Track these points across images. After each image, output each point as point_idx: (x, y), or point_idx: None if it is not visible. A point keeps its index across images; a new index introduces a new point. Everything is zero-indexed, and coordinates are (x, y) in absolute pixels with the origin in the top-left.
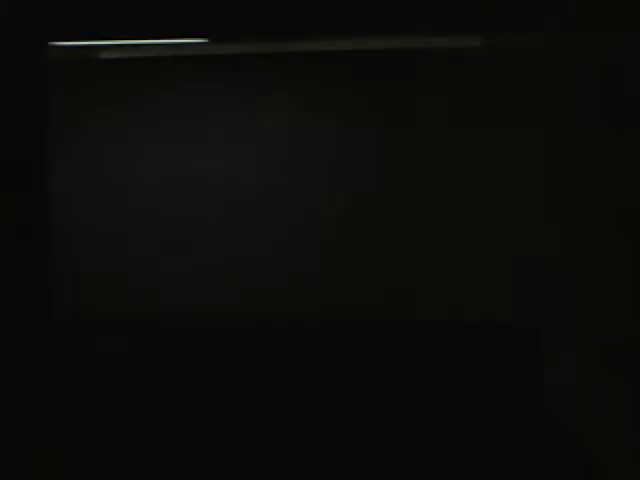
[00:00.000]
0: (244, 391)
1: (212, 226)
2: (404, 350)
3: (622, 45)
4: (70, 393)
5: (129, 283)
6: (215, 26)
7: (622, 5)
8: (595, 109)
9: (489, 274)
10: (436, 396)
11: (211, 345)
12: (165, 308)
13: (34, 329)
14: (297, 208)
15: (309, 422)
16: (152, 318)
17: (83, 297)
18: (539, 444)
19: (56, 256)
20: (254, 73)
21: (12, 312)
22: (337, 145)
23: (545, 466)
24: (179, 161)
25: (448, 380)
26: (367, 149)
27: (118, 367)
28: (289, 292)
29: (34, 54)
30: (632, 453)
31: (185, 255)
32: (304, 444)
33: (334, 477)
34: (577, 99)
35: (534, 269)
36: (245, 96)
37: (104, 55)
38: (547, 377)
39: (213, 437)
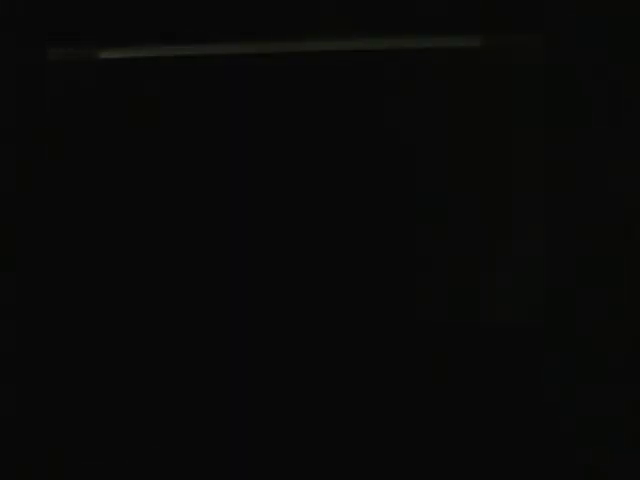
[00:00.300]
0: None
1: None
2: (404, 349)
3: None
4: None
5: None
6: (215, 27)
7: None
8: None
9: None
10: (435, 396)
11: None
12: None
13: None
14: None
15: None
16: None
17: None
18: (539, 444)
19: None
20: None
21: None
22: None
23: (545, 466)
24: None
25: (447, 381)
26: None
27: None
28: None
29: (34, 54)
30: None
31: None
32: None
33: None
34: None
35: (535, 269)
36: None
37: (104, 55)
38: (547, 377)
39: None
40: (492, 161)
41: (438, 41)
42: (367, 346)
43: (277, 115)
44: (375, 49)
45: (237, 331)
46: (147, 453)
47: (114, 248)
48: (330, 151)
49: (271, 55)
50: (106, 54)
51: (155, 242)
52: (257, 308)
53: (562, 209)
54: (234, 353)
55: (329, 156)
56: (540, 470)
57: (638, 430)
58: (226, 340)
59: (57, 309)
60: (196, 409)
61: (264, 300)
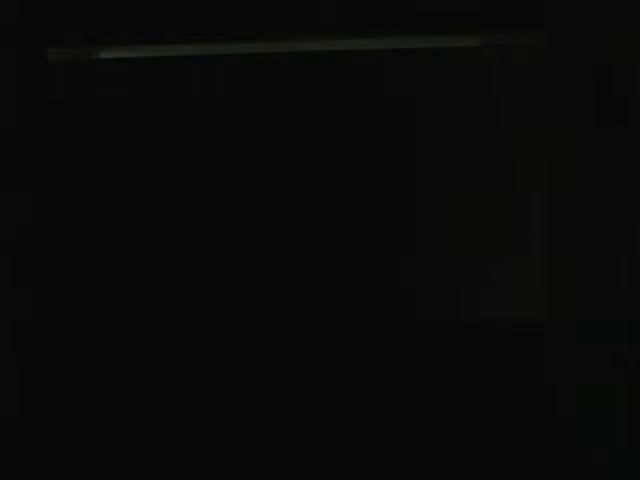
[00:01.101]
0: None
1: None
2: (404, 348)
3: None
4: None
5: None
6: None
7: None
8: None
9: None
10: (434, 395)
11: None
12: None
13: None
14: None
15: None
16: None
17: None
18: (539, 444)
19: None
20: None
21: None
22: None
23: (545, 466)
24: None
25: (447, 379)
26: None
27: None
28: None
29: (34, 55)
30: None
31: None
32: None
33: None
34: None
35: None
36: None
37: (104, 55)
38: (547, 377)
39: None
40: (492, 161)
41: (439, 41)
42: (366, 345)
43: (278, 115)
44: (375, 49)
45: (242, 333)
46: (151, 453)
47: (115, 248)
48: (329, 150)
49: (271, 55)
50: (106, 54)
51: (155, 242)
52: (258, 307)
53: (564, 209)
54: (237, 354)
55: (328, 155)
56: (540, 469)
57: (638, 428)
58: (230, 341)
59: (61, 309)
60: (198, 409)
61: (264, 299)
